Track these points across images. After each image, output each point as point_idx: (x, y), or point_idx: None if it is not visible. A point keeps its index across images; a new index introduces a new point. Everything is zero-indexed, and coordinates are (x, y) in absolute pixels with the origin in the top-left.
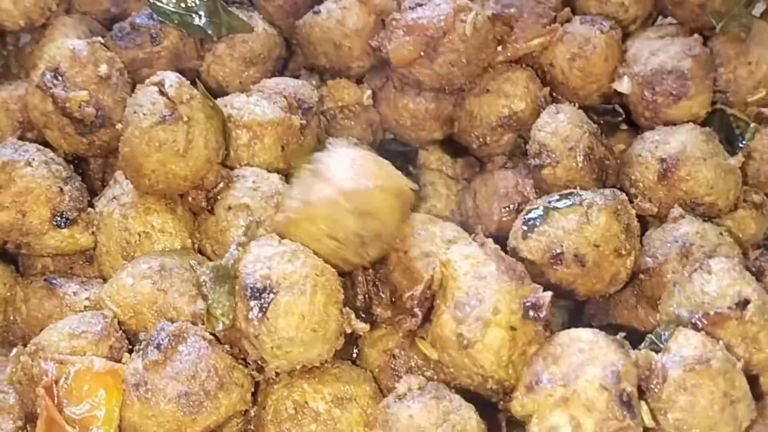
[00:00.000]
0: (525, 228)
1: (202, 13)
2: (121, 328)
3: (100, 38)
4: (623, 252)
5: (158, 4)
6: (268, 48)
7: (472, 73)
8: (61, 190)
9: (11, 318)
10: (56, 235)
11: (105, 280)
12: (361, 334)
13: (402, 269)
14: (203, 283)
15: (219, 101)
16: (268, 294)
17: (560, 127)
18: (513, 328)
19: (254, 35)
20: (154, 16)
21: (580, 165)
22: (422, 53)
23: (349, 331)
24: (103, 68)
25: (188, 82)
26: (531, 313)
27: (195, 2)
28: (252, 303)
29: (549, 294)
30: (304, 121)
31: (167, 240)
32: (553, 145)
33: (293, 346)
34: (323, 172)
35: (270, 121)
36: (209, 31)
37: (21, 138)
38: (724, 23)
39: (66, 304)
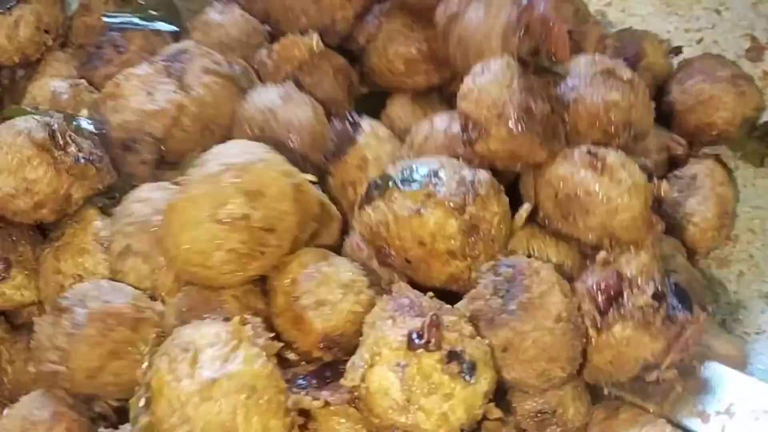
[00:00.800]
0: (364, 195)
1: (157, 10)
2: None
3: (83, 81)
4: (459, 256)
5: (110, 20)
6: (246, 33)
7: None
8: None
9: None
10: None
11: None
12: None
13: (291, 317)
14: None
15: None
16: None
17: (483, 92)
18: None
19: (230, 19)
20: (110, 30)
21: (516, 131)
22: None
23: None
24: (84, 113)
25: None
26: (416, 341)
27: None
28: None
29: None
30: None
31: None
32: (477, 114)
33: None
34: (207, 157)
35: None
36: (170, 22)
37: None
38: None
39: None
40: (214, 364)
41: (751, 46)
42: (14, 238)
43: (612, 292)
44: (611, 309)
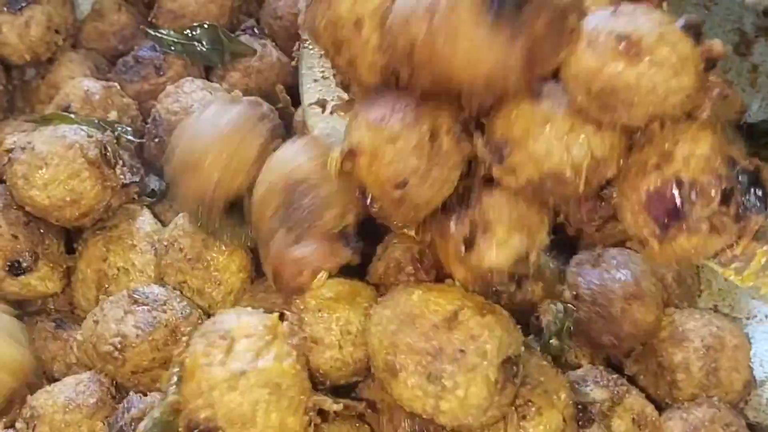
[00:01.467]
0: None
1: (204, 40)
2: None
3: (116, 84)
4: None
5: (159, 35)
6: (282, 77)
7: None
8: (16, 237)
9: None
10: (14, 282)
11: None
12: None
13: None
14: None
15: None
16: None
17: None
18: None
19: (268, 64)
20: (157, 47)
21: None
22: None
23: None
24: (113, 114)
25: None
26: None
27: (196, 31)
28: None
29: None
30: None
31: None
32: None
33: None
34: None
35: None
36: (213, 58)
37: None
38: None
39: (70, 346)
40: (246, 355)
41: (739, 41)
42: (42, 231)
43: (671, 206)
44: (672, 223)
